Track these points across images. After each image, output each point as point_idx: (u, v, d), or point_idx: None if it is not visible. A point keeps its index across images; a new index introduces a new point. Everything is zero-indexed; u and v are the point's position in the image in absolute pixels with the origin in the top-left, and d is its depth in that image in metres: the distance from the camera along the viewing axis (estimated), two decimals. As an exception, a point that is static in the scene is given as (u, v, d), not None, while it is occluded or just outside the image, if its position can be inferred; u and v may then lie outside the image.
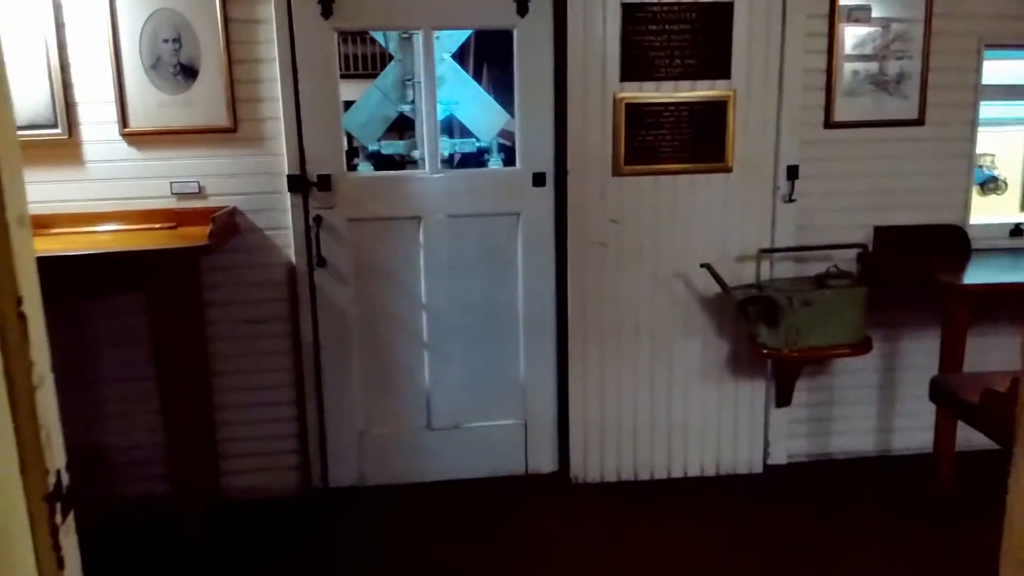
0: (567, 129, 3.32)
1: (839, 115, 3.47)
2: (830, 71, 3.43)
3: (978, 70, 3.51)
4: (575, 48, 3.25)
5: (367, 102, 4.23)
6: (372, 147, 4.53)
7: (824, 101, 3.46)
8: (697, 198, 3.43)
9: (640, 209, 3.41)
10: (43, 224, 3.17)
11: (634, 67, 3.28)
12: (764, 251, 3.48)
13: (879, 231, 3.59)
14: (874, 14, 3.40)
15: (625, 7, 3.23)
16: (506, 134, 4.96)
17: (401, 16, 3.29)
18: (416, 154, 4.03)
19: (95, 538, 3.36)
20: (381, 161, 4.72)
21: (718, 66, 3.32)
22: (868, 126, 3.50)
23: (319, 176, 3.29)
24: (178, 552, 3.06)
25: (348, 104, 3.85)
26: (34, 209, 3.20)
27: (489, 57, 4.88)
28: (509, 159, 4.52)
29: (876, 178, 3.56)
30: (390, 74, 4.17)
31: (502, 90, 5.20)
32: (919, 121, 3.52)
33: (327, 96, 3.25)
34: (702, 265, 3.38)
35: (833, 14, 3.38)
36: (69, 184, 3.22)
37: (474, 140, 4.52)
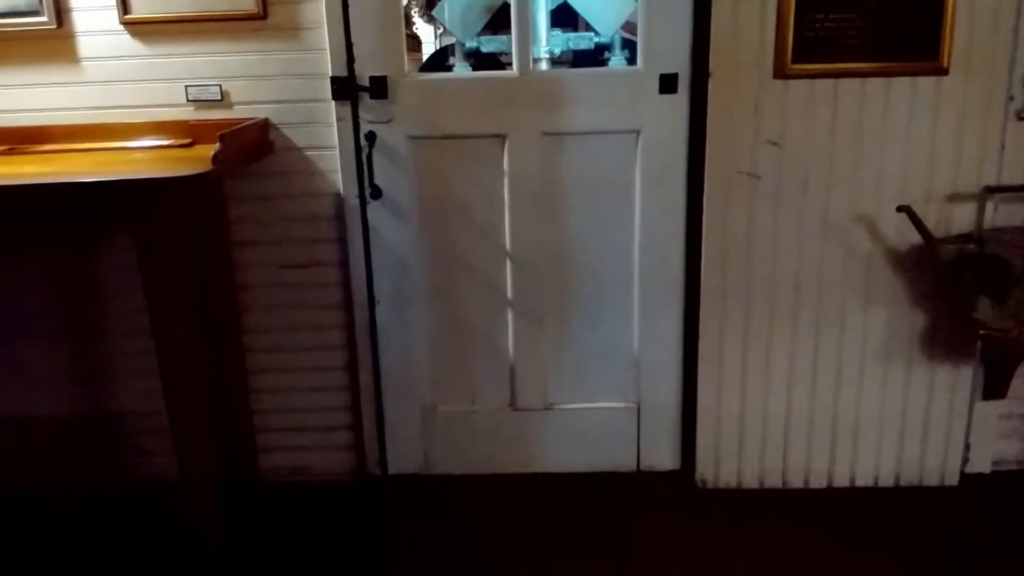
0: (710, 14, 2.47)
1: (1120, -11, 2.46)
2: (1113, -78, 2.41)
3: None
4: None
5: None
6: (470, 44, 3.79)
7: (1098, -32, 2.45)
8: (894, 111, 2.53)
9: (811, 126, 2.55)
10: (28, 138, 2.61)
11: (814, -80, 2.37)
12: (990, 189, 2.55)
13: None
14: None
15: None
16: (632, 27, 4.12)
17: None
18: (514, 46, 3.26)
19: (101, 525, 3.00)
20: (481, 61, 3.96)
21: (940, -85, 2.37)
22: None
23: (372, 79, 2.59)
24: (185, 546, 2.54)
25: None
26: (18, 119, 2.66)
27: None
28: (635, 57, 3.72)
29: None
30: None
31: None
32: None
33: (382, -31, 2.52)
34: (899, 208, 2.51)
35: None
36: (60, 89, 2.64)
37: (591, 35, 3.73)
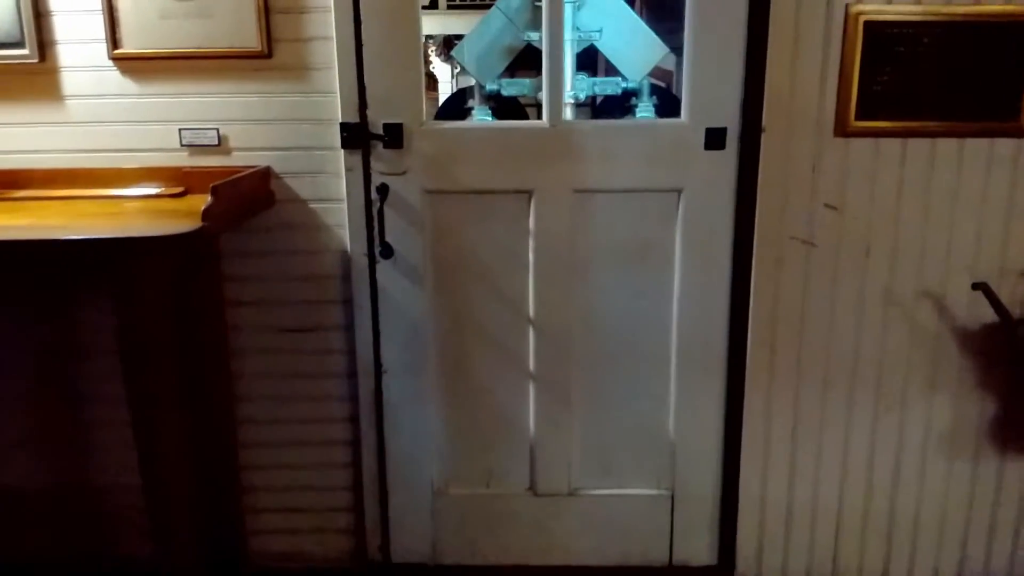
0: (765, 63, 2.24)
1: None
2: None
3: None
4: (788, -69, 2.16)
5: (486, 29, 3.29)
6: (490, 86, 3.58)
7: None
8: (968, 175, 2.29)
9: (874, 190, 2.31)
10: (8, 183, 2.37)
11: (884, -37, 2.15)
12: (1075, 265, 2.31)
13: None
14: None
15: None
16: (661, 73, 3.90)
17: None
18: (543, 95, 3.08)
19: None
20: (502, 105, 3.76)
21: (1026, -38, 2.15)
22: None
23: (386, 126, 2.35)
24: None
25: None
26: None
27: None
28: (664, 105, 3.52)
29: None
30: None
31: (659, 15, 4.10)
32: None
33: (401, 7, 2.28)
34: (975, 286, 2.26)
35: None
36: (41, 129, 2.40)
37: (619, 80, 3.53)
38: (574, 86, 3.35)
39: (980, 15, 2.18)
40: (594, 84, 3.51)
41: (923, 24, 2.18)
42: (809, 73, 2.24)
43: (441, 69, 6.69)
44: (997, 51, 2.20)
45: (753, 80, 2.28)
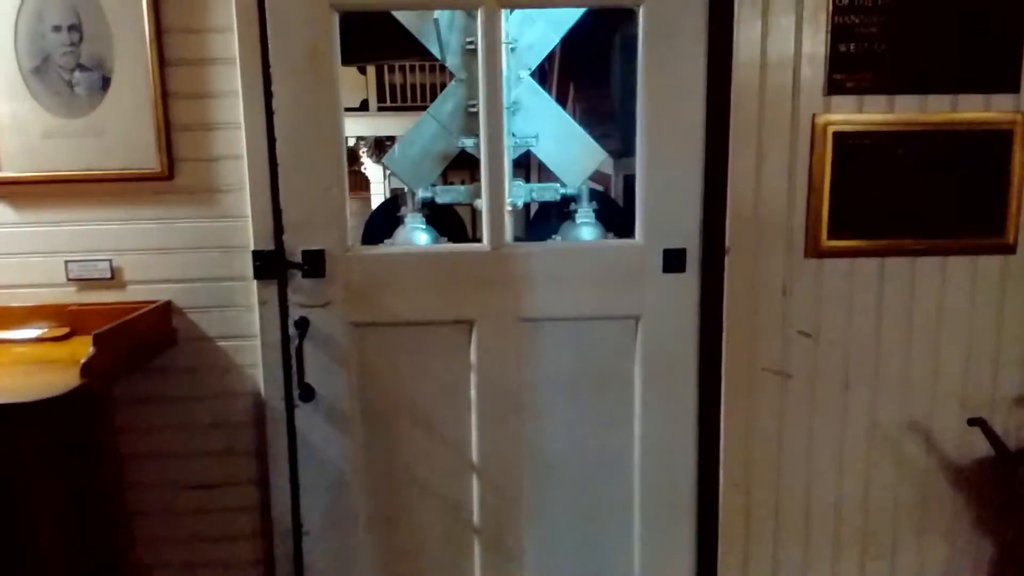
0: (726, 178, 2.04)
1: None
2: None
3: None
4: (746, 37, 1.98)
5: (418, 135, 3.11)
6: (424, 194, 3.39)
7: None
8: (953, 297, 2.10)
9: (851, 314, 2.11)
10: None
11: (849, 68, 1.98)
12: (1074, 393, 2.12)
13: None
14: None
15: (838, -35, 1.94)
16: (598, 176, 3.76)
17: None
18: (480, 203, 2.91)
19: None
20: (436, 213, 3.58)
21: (995, 68, 1.99)
22: None
23: (306, 253, 2.08)
24: None
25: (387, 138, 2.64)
26: None
27: (578, 74, 3.65)
28: (605, 211, 3.36)
29: None
30: (450, 98, 3.02)
31: (594, 119, 3.98)
32: None
33: (321, 121, 2.04)
34: (971, 421, 2.04)
35: None
36: (-100, 264, 2.09)
37: (557, 186, 3.39)
38: (511, 193, 3.16)
39: (957, 123, 2.02)
40: (531, 191, 3.35)
41: (897, 134, 2.01)
42: (776, 188, 2.05)
43: (373, 170, 6.53)
44: (977, 161, 2.03)
45: (714, 196, 2.08)
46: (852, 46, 1.97)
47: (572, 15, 3.02)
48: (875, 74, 1.98)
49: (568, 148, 3.12)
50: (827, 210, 2.04)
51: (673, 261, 2.13)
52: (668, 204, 2.11)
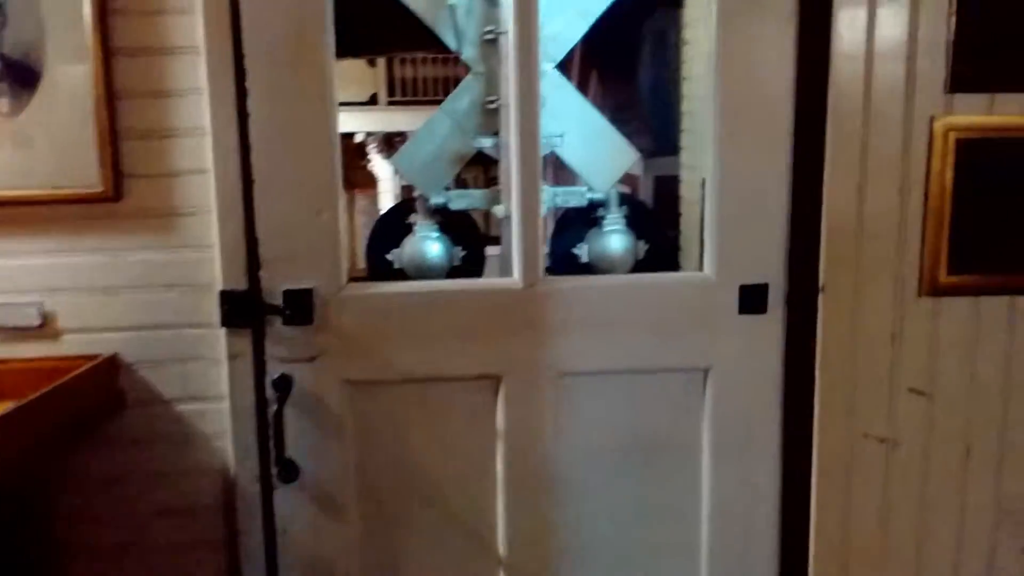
0: (821, 198, 1.64)
1: None
2: None
3: None
4: (848, 19, 1.58)
5: (430, 134, 2.75)
6: (436, 199, 3.02)
7: None
8: (1101, 344, 1.69)
9: (976, 366, 1.69)
10: None
11: (979, 59, 1.59)
12: None
13: None
14: None
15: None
16: (627, 178, 3.41)
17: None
18: (500, 211, 2.60)
19: None
20: (450, 220, 3.20)
21: None
22: None
23: (289, 294, 1.65)
24: None
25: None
26: None
27: (604, 66, 3.27)
28: (636, 217, 3.04)
29: None
30: (465, 93, 2.66)
31: (623, 115, 3.62)
32: None
33: (309, 127, 1.63)
34: None
35: None
36: None
37: (583, 190, 3.03)
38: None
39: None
40: (555, 195, 2.99)
41: (1036, 142, 1.61)
42: (883, 210, 1.64)
43: (381, 166, 6.16)
44: None
45: (804, 220, 1.67)
46: (981, 30, 1.58)
47: (602, 1, 2.73)
48: (1012, 63, 1.59)
49: (597, 148, 2.80)
50: (947, 238, 1.63)
51: (752, 300, 1.71)
52: (746, 229, 1.70)
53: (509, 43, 1.73)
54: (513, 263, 1.72)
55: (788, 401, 1.74)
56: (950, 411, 1.71)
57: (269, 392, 1.67)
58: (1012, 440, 1.73)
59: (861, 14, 1.59)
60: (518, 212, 1.73)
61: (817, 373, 1.70)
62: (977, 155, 1.61)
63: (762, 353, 1.73)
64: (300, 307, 1.66)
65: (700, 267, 1.77)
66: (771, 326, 1.72)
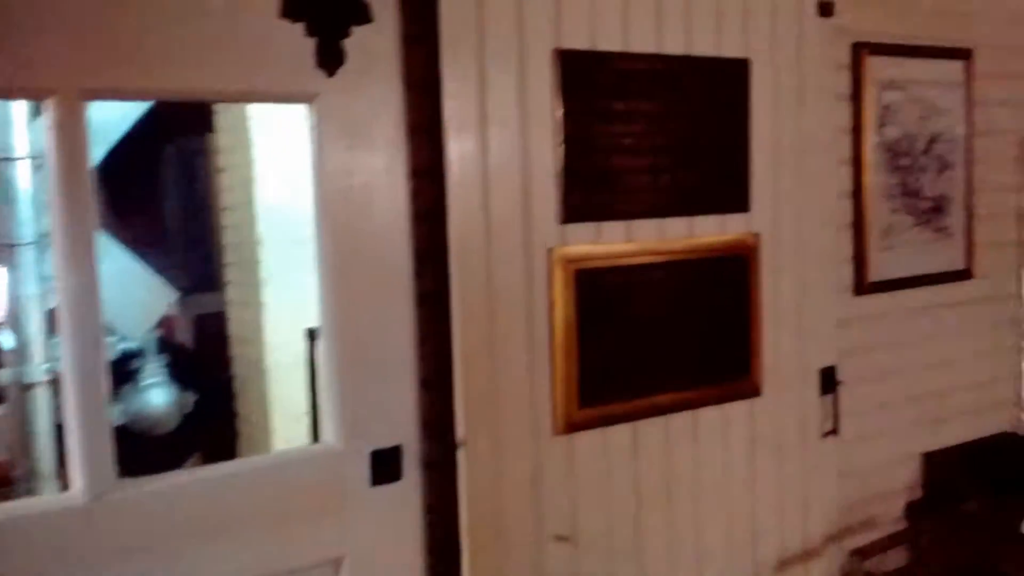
0: (451, 339, 1.46)
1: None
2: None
3: None
4: (463, 151, 1.44)
5: None
6: None
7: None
8: (709, 454, 1.75)
9: (611, 501, 1.63)
10: None
11: (588, 190, 1.55)
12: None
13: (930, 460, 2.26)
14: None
15: (565, 59, 1.51)
16: (166, 321, 3.04)
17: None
18: (4, 376, 2.11)
19: None
20: None
21: (730, 186, 1.74)
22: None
23: None
24: None
25: None
26: None
27: (122, 195, 2.81)
28: (180, 364, 2.73)
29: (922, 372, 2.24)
30: None
31: (151, 250, 3.15)
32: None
33: None
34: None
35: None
36: None
37: (114, 339, 2.68)
38: (49, 351, 2.27)
39: (699, 248, 1.69)
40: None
41: (640, 264, 1.62)
42: (513, 350, 1.51)
43: None
44: (719, 292, 1.73)
45: (434, 367, 1.47)
46: (587, 162, 1.55)
47: (119, 125, 2.40)
48: (615, 195, 1.58)
49: (127, 291, 2.45)
50: (576, 370, 1.56)
51: (385, 466, 1.46)
52: (370, 385, 1.45)
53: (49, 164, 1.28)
54: (75, 473, 1.24)
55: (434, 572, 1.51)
56: (593, 548, 1.62)
57: None
58: (650, 565, 1.70)
59: (471, 146, 1.46)
60: (75, 389, 1.25)
61: (464, 539, 1.49)
62: (592, 284, 1.57)
63: (400, 528, 1.48)
64: None
65: (315, 438, 1.48)
66: (407, 495, 1.48)
